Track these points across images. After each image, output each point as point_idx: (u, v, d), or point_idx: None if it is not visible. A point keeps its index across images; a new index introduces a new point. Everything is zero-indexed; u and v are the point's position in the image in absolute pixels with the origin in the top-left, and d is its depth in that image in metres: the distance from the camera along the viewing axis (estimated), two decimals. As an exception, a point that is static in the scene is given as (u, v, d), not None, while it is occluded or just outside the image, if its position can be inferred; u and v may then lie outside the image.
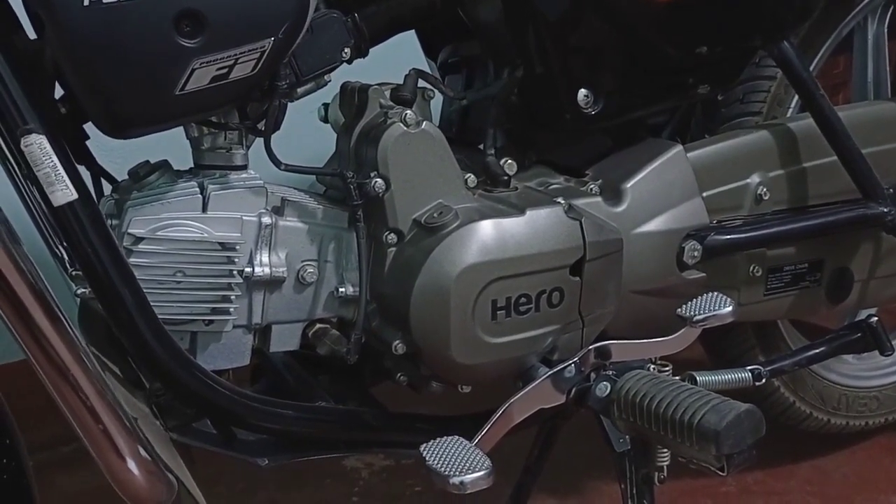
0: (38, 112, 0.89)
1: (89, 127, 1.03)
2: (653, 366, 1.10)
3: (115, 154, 1.13)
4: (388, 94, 1.12)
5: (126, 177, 1.07)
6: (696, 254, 1.21)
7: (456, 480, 0.96)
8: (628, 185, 1.19)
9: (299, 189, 1.12)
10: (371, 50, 1.13)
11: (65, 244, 0.94)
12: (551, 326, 1.10)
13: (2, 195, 0.99)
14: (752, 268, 1.28)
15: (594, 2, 1.16)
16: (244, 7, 0.93)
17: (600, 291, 1.14)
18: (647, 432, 1.04)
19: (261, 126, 1.04)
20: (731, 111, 1.39)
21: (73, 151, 0.98)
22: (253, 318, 1.05)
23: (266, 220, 1.04)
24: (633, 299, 1.18)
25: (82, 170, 0.99)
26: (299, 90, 1.06)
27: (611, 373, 1.09)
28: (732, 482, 1.51)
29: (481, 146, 1.19)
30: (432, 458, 0.98)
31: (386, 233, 1.08)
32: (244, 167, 1.06)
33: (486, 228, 1.06)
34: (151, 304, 0.96)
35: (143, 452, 0.89)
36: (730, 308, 1.11)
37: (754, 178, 1.27)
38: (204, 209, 1.01)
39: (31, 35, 0.98)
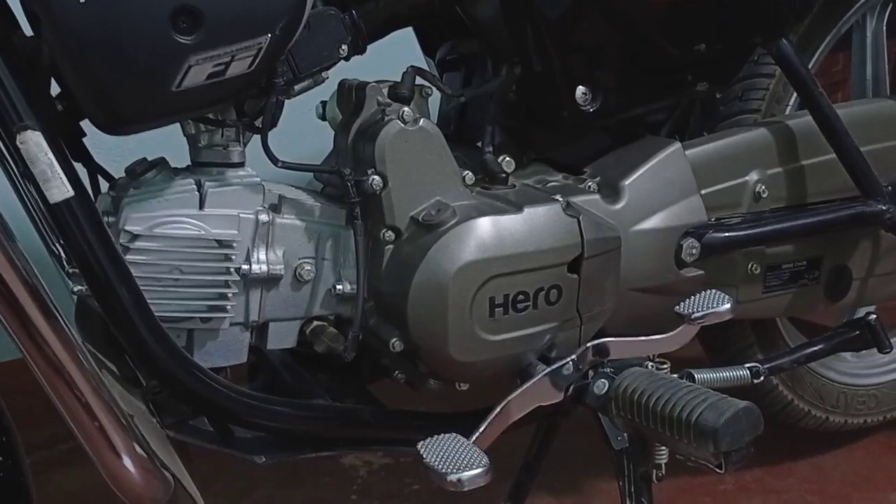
0: (34, 109, 0.88)
1: (86, 124, 1.03)
2: (651, 363, 1.10)
3: (111, 151, 1.13)
4: (385, 91, 1.12)
5: (123, 174, 1.07)
6: (694, 251, 1.20)
7: (453, 478, 0.96)
8: (626, 182, 1.19)
9: (296, 186, 1.12)
10: (369, 47, 1.13)
11: (61, 242, 0.94)
12: (549, 324, 1.10)
13: (-2, 192, 0.99)
14: (750, 265, 1.28)
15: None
16: (241, 3, 0.93)
17: (598, 289, 1.14)
18: (646, 430, 1.04)
19: (258, 123, 1.04)
20: (729, 109, 1.39)
21: (69, 149, 0.97)
22: (250, 316, 1.05)
23: (263, 217, 1.03)
24: (631, 297, 1.18)
25: (79, 167, 0.99)
26: (296, 87, 1.06)
27: (609, 370, 1.09)
28: (730, 480, 1.51)
29: (479, 144, 1.18)
30: (430, 456, 0.98)
31: (383, 230, 1.08)
32: (241, 164, 1.06)
33: (484, 226, 1.06)
34: (148, 301, 0.95)
35: (139, 450, 0.89)
36: (728, 305, 1.11)
37: (753, 176, 1.27)
38: (201, 206, 1.01)
39: (28, 32, 0.98)
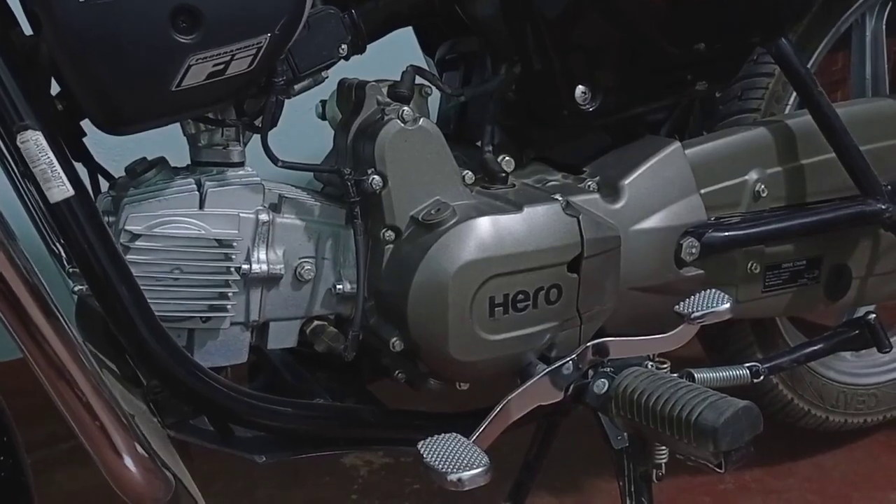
0: (34, 108, 0.88)
1: (86, 124, 1.03)
2: (651, 363, 1.10)
3: (112, 151, 1.13)
4: (385, 90, 1.12)
5: (123, 173, 1.07)
6: (693, 251, 1.20)
7: (454, 477, 0.96)
8: (626, 182, 1.19)
9: (296, 186, 1.12)
10: (368, 46, 1.13)
11: (62, 241, 0.94)
12: (549, 323, 1.10)
13: (-1, 192, 0.99)
14: (750, 265, 1.28)
15: (592, -2, 1.16)
16: (241, 3, 0.93)
17: (598, 288, 1.14)
18: (646, 429, 1.04)
19: (258, 123, 1.04)
20: (729, 108, 1.39)
21: (69, 148, 0.97)
22: (250, 315, 1.05)
23: (263, 216, 1.03)
24: (630, 296, 1.18)
25: (79, 167, 0.99)
26: (296, 87, 1.06)
27: (609, 370, 1.09)
28: (730, 480, 1.51)
29: (479, 143, 1.18)
30: (430, 456, 0.98)
31: (383, 230, 1.08)
32: (241, 164, 1.06)
33: (484, 225, 1.06)
34: (148, 301, 0.95)
35: (140, 450, 0.89)
36: (727, 305, 1.11)
37: (752, 175, 1.27)
38: (201, 206, 1.01)
39: (28, 31, 0.98)
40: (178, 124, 1.04)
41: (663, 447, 1.09)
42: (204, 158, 1.05)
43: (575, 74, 1.18)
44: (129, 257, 0.97)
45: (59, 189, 0.89)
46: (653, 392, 1.02)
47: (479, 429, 1.04)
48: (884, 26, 1.52)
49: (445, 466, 0.97)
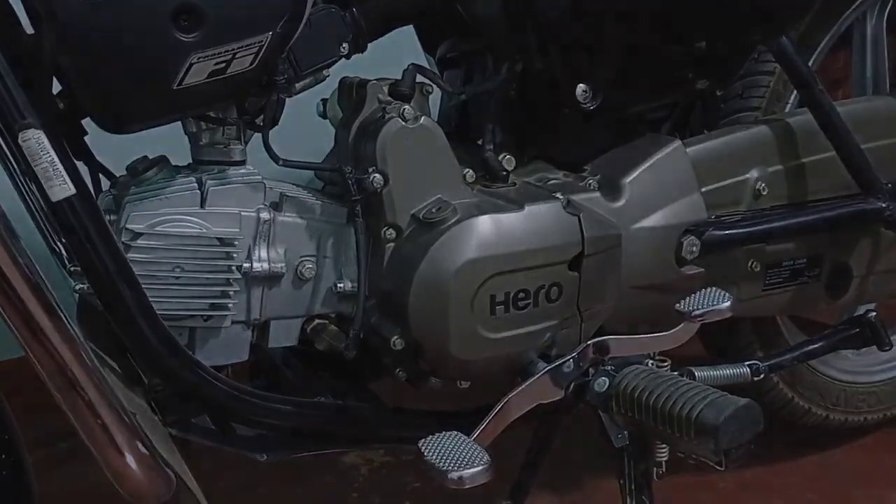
0: (35, 107, 0.89)
1: (87, 122, 1.03)
2: (651, 361, 1.10)
3: (113, 150, 1.13)
4: (386, 89, 1.12)
5: (124, 172, 1.07)
6: (694, 249, 1.21)
7: (454, 476, 0.96)
8: (627, 180, 1.19)
9: (298, 184, 1.12)
10: (369, 45, 1.13)
11: (63, 240, 0.94)
12: (550, 322, 1.10)
13: (0, 191, 0.99)
14: (750, 263, 1.28)
15: (593, -3, 1.16)
16: (242, 1, 0.93)
17: (599, 287, 1.14)
18: (646, 427, 1.04)
19: (259, 121, 1.04)
20: (730, 106, 1.39)
21: (71, 147, 0.98)
22: (251, 314, 1.05)
23: (264, 215, 1.03)
24: (631, 294, 1.18)
25: (80, 165, 0.99)
26: (297, 85, 1.06)
27: (609, 368, 1.09)
28: (731, 478, 1.51)
29: (480, 141, 1.19)
30: (431, 454, 0.98)
31: (384, 228, 1.08)
32: (242, 162, 1.06)
33: (485, 224, 1.06)
34: (150, 299, 0.96)
35: (141, 448, 0.89)
36: (728, 303, 1.11)
37: (753, 174, 1.27)
38: (202, 204, 1.01)
39: (29, 30, 0.98)
40: (179, 123, 1.04)
41: (664, 445, 1.09)
42: (205, 157, 1.05)
43: (576, 73, 1.18)
44: (130, 256, 0.97)
45: (61, 187, 0.89)
46: (653, 390, 1.03)
47: (480, 427, 1.04)
48: (884, 25, 1.53)
49: (446, 464, 0.97)
